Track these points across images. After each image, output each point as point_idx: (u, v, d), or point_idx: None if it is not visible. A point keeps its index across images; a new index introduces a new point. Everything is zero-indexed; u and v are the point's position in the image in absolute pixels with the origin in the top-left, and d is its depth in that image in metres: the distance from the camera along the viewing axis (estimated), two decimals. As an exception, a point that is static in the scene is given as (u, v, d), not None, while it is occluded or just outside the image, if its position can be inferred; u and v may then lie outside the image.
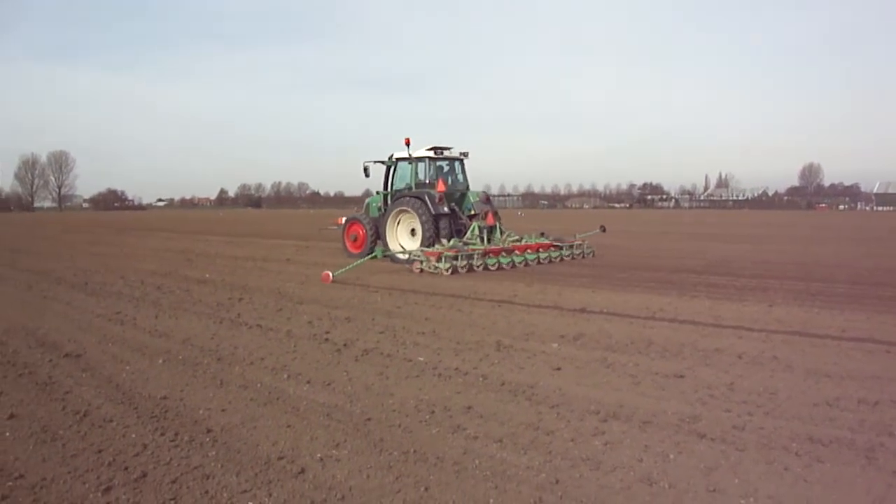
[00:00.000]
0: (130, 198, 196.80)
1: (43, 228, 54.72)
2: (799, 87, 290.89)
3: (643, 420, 5.70)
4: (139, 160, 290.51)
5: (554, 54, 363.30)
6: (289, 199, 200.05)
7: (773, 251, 24.90)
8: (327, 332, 9.60)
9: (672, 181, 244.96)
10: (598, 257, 21.66)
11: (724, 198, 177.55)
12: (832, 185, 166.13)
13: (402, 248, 20.22)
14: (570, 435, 5.37)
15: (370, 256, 19.40)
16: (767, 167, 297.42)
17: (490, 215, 20.07)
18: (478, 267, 17.58)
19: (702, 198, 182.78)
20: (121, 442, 5.39)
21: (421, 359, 7.97)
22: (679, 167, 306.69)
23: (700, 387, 6.68)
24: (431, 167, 20.78)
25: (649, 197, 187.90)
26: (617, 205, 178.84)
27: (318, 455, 5.07)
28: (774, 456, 4.91)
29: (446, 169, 21.46)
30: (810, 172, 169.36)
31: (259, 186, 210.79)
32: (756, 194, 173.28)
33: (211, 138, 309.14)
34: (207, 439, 5.42)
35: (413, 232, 20.20)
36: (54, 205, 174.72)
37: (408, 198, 20.01)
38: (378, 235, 21.29)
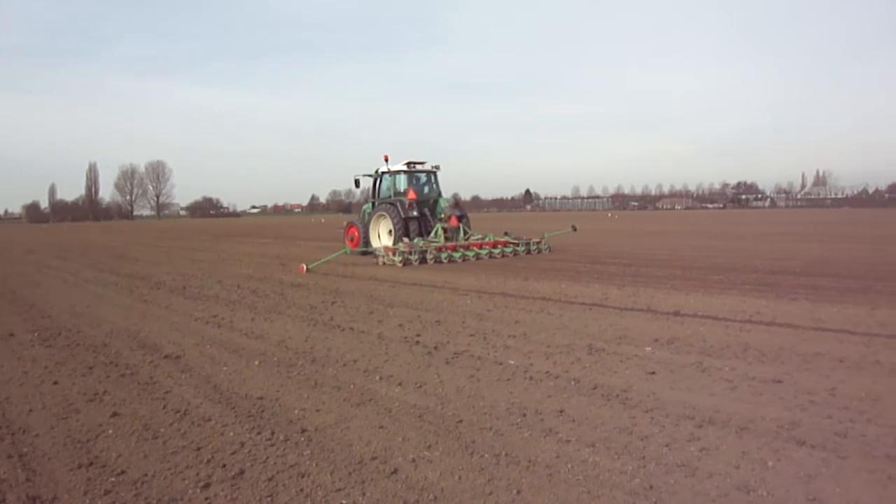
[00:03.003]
0: (225, 205, 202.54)
1: (142, 235, 56.71)
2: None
3: (740, 426, 5.55)
4: (233, 168, 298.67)
5: (644, 52, 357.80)
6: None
7: (874, 251, 23.90)
8: (418, 335, 9.67)
9: (768, 180, 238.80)
10: (691, 259, 21.22)
11: (821, 196, 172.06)
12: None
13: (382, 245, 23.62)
14: (665, 440, 5.27)
15: (340, 252, 23.23)
16: (868, 163, 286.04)
17: (454, 218, 24.05)
18: (430, 260, 21.32)
19: (799, 196, 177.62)
20: (219, 440, 5.54)
21: (512, 362, 7.94)
22: (775, 165, 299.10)
23: (799, 392, 6.47)
24: (407, 179, 24.75)
25: (744, 196, 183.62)
26: (710, 205, 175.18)
27: (411, 456, 5.10)
28: (877, 464, 4.72)
29: (423, 180, 25.47)
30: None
31: (349, 192, 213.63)
32: (856, 192, 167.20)
33: (302, 146, 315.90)
34: (302, 439, 5.52)
35: (390, 232, 23.92)
36: (153, 213, 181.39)
37: (385, 204, 24.35)
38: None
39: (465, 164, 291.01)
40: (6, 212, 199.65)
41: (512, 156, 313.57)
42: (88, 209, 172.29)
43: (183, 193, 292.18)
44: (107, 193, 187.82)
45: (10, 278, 19.89)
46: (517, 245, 24.26)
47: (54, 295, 15.45)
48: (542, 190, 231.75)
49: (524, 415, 6.00)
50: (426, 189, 25.34)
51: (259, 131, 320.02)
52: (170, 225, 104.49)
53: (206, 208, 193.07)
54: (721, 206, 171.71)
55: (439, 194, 25.53)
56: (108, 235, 59.49)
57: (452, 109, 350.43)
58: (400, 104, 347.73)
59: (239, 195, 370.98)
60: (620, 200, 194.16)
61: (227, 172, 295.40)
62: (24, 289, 16.88)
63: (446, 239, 23.33)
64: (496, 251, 23.48)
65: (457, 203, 25.47)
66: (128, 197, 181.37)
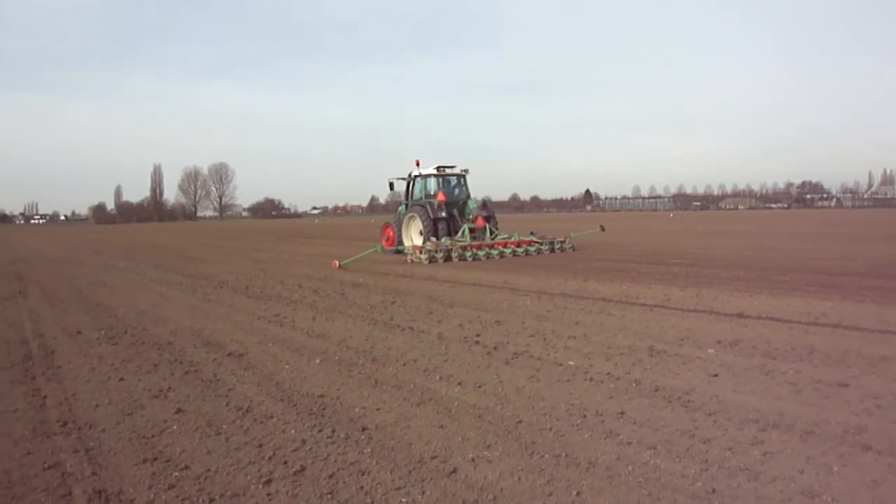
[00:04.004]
0: (287, 206, 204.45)
1: (205, 236, 57.74)
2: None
3: (805, 430, 5.43)
4: (295, 170, 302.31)
5: (705, 50, 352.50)
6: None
7: (948, 253, 23.21)
8: (478, 335, 9.67)
9: (833, 179, 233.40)
10: (755, 260, 20.84)
11: (889, 195, 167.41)
12: None
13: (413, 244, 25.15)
14: (728, 444, 5.18)
15: (371, 251, 25.13)
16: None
17: (480, 219, 25.61)
18: (456, 258, 22.55)
19: (865, 196, 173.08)
20: (280, 437, 5.62)
21: (572, 363, 7.89)
22: (841, 164, 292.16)
23: (866, 396, 6.31)
24: (437, 182, 26.43)
25: (809, 196, 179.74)
26: (774, 205, 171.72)
27: (470, 455, 5.10)
28: (948, 470, 4.60)
29: (453, 183, 27.03)
30: None
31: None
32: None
33: (361, 147, 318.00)
34: (363, 437, 5.56)
35: (420, 232, 25.25)
36: (216, 214, 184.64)
37: (416, 206, 26.01)
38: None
39: (526, 164, 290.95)
40: (73, 213, 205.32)
41: (573, 156, 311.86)
42: (153, 210, 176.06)
43: (245, 195, 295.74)
44: (171, 195, 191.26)
45: (77, 278, 20.37)
46: (541, 244, 25.51)
47: (120, 294, 15.82)
48: (603, 190, 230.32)
49: (584, 416, 5.96)
50: (455, 191, 26.90)
51: (320, 132, 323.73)
52: (232, 226, 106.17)
53: (268, 209, 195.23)
54: (786, 205, 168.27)
55: (468, 196, 27.03)
56: (172, 236, 60.69)
57: (515, 110, 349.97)
58: (459, 104, 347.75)
59: (300, 196, 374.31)
60: (682, 200, 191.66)
61: (288, 174, 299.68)
62: (91, 288, 17.29)
63: (473, 238, 24.71)
64: (520, 250, 24.77)
65: (484, 205, 26.87)
66: (191, 198, 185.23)
